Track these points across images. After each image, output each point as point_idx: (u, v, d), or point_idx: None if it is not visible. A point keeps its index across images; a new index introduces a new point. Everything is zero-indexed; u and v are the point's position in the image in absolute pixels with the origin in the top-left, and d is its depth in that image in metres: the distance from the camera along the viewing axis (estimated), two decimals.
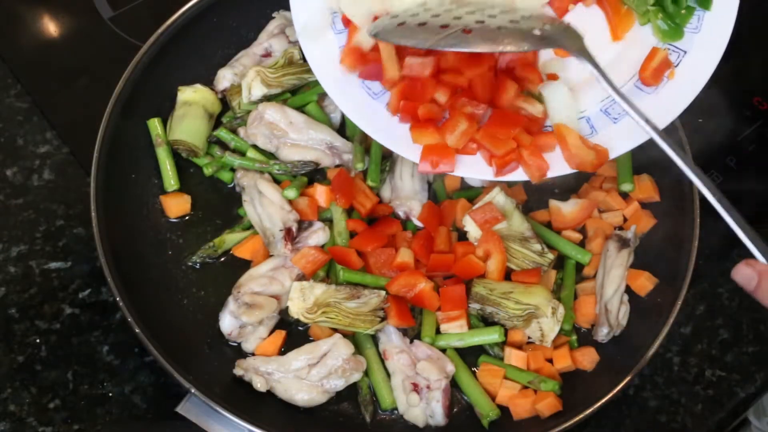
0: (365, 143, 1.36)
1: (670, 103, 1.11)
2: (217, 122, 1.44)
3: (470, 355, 1.28)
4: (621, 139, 1.14)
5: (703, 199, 1.28)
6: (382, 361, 1.26)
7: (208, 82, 1.45)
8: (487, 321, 1.29)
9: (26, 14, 1.62)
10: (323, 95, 1.42)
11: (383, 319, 1.25)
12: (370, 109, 1.20)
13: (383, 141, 1.18)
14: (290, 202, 1.33)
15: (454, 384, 1.25)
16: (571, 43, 1.09)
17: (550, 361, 1.27)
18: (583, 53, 1.07)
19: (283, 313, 1.29)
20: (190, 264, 1.34)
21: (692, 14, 1.14)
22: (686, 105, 1.11)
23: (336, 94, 1.20)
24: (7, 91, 1.51)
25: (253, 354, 1.27)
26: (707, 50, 1.11)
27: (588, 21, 1.17)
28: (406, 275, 1.25)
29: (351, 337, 1.25)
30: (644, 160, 1.41)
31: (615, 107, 1.16)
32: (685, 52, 1.13)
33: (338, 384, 1.22)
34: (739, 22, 1.13)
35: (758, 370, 1.32)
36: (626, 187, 1.37)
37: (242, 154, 1.40)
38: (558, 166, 1.14)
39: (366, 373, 1.24)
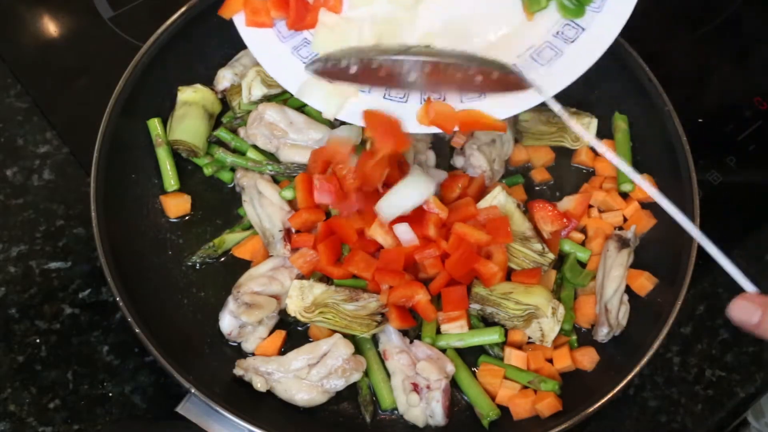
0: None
1: (560, 76, 1.15)
2: (217, 122, 1.44)
3: (470, 355, 1.28)
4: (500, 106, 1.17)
5: (703, 199, 1.29)
6: (382, 361, 1.26)
7: (208, 82, 1.45)
8: (487, 321, 1.29)
9: (26, 14, 1.62)
10: None
11: (380, 322, 1.25)
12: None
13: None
14: (290, 202, 1.33)
15: (454, 384, 1.25)
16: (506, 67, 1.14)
17: (550, 361, 1.27)
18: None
19: (283, 313, 1.28)
20: (190, 264, 1.34)
21: None
22: (569, 82, 1.14)
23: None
24: (7, 91, 1.51)
25: (253, 354, 1.27)
26: (604, 29, 1.15)
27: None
28: (404, 286, 1.24)
29: (351, 337, 1.25)
30: (644, 160, 1.41)
31: (543, 54, 1.18)
32: (584, 29, 1.16)
33: (338, 384, 1.22)
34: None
35: (758, 370, 1.32)
36: (626, 187, 1.37)
37: (242, 154, 1.40)
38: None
39: (366, 373, 1.24)
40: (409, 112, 1.19)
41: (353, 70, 1.15)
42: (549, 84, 1.14)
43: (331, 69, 1.18)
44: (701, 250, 1.25)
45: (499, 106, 1.17)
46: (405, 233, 1.24)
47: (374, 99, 1.21)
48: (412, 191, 1.22)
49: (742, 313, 0.85)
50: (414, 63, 1.12)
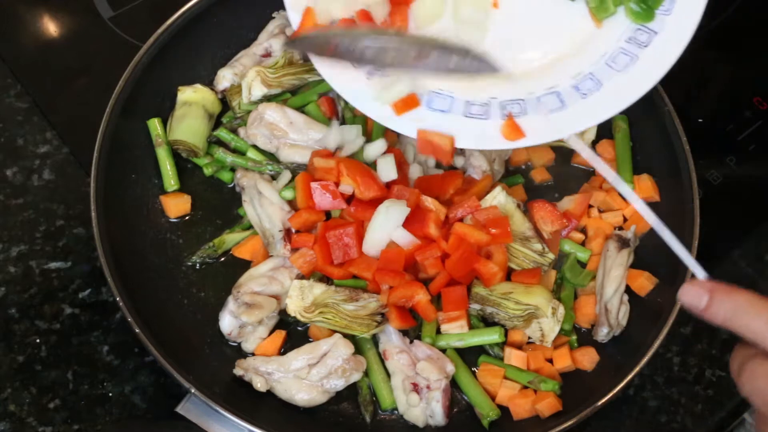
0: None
1: (640, 80, 1.13)
2: (217, 122, 1.44)
3: (470, 355, 1.28)
4: (587, 114, 1.15)
5: (703, 199, 1.29)
6: (382, 361, 1.26)
7: (208, 82, 1.45)
8: (488, 321, 1.29)
9: (26, 14, 1.62)
10: (323, 95, 1.42)
11: (380, 323, 1.25)
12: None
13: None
14: (290, 202, 1.33)
15: (454, 384, 1.25)
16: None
17: (550, 361, 1.27)
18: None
19: (283, 313, 1.28)
20: (190, 264, 1.34)
21: None
22: (656, 81, 1.12)
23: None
24: (7, 91, 1.51)
25: (253, 354, 1.27)
26: (677, 31, 1.13)
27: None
28: (404, 286, 1.24)
29: (351, 337, 1.25)
30: (644, 160, 1.41)
31: (585, 83, 1.16)
32: (656, 33, 1.14)
33: (338, 384, 1.22)
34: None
35: None
36: None
37: (242, 154, 1.40)
38: None
39: (366, 373, 1.24)
40: (491, 128, 1.17)
41: (341, 47, 1.15)
42: (629, 91, 1.12)
43: (319, 45, 1.17)
44: (701, 250, 1.25)
45: (585, 116, 1.15)
46: (403, 237, 1.25)
47: (454, 117, 1.18)
48: (385, 222, 1.24)
49: (691, 298, 0.87)
50: (399, 46, 1.12)
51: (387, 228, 1.24)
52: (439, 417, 1.21)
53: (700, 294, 0.86)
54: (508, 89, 1.17)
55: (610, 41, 1.16)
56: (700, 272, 0.90)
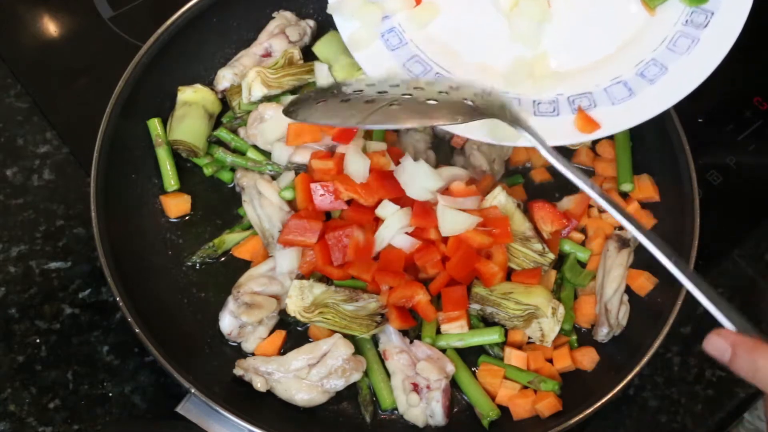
0: None
1: (705, 59, 1.13)
2: (217, 122, 1.44)
3: (470, 355, 1.28)
4: (657, 98, 1.15)
5: (703, 199, 1.29)
6: (382, 361, 1.26)
7: (208, 82, 1.45)
8: (488, 321, 1.29)
9: (26, 14, 1.62)
10: None
11: (380, 323, 1.25)
12: None
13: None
14: (289, 202, 1.33)
15: (454, 384, 1.25)
16: (503, 112, 1.10)
17: (550, 361, 1.27)
18: (518, 122, 1.09)
19: (283, 313, 1.28)
20: (190, 264, 1.34)
21: None
22: (718, 63, 1.12)
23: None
24: (7, 91, 1.51)
25: (253, 354, 1.27)
26: (734, 9, 1.14)
27: None
28: (404, 287, 1.24)
29: (351, 337, 1.25)
30: (644, 160, 1.41)
31: (650, 69, 1.17)
32: (713, 13, 1.15)
33: (338, 384, 1.22)
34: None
35: None
36: (626, 187, 1.37)
37: (242, 154, 1.40)
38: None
39: (366, 373, 1.24)
40: (563, 123, 1.17)
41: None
42: (697, 71, 1.13)
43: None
44: (701, 250, 1.26)
45: (656, 100, 1.15)
46: (404, 241, 1.25)
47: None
48: (392, 222, 1.26)
49: (715, 350, 0.87)
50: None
51: (393, 227, 1.26)
52: (439, 417, 1.21)
53: (723, 348, 0.86)
54: (573, 84, 1.18)
55: (667, 27, 1.16)
56: (725, 322, 0.88)
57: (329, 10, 1.21)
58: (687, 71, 1.13)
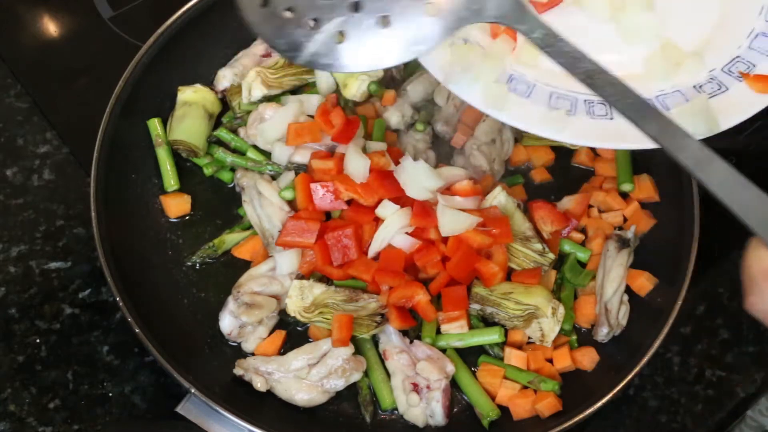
0: None
1: None
2: (217, 122, 1.44)
3: (470, 355, 1.28)
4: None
5: (704, 199, 1.29)
6: (382, 361, 1.26)
7: (208, 82, 1.45)
8: (488, 321, 1.29)
9: (26, 14, 1.62)
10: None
11: (380, 323, 1.25)
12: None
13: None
14: (289, 202, 1.33)
15: (454, 384, 1.25)
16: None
17: (550, 361, 1.27)
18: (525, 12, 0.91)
19: (283, 313, 1.29)
20: (190, 264, 1.34)
21: None
22: None
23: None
24: (7, 91, 1.51)
25: (253, 354, 1.27)
26: None
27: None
28: (404, 287, 1.24)
29: (351, 337, 1.25)
30: (644, 160, 1.41)
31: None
32: None
33: (338, 384, 1.22)
34: None
35: (758, 370, 1.32)
36: (626, 187, 1.37)
37: (242, 154, 1.40)
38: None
39: (366, 373, 1.24)
40: (738, 98, 1.10)
41: None
42: None
43: None
44: (701, 250, 1.26)
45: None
46: (404, 241, 1.25)
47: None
48: (392, 222, 1.25)
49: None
50: None
51: (392, 227, 1.26)
52: (439, 417, 1.21)
53: None
54: (717, 55, 1.11)
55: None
56: None
57: (445, 84, 1.08)
58: None
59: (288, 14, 0.93)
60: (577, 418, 1.16)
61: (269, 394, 1.23)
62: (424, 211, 1.25)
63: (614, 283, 1.28)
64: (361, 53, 0.93)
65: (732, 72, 1.10)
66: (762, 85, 1.08)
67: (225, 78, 1.43)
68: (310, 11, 0.93)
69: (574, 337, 1.29)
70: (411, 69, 1.44)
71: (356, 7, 0.92)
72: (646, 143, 0.92)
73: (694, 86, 1.10)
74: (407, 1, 0.92)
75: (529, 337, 1.28)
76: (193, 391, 1.14)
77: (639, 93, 0.88)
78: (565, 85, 1.10)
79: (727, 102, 1.07)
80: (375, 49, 0.93)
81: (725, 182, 0.84)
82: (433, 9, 0.92)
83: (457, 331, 1.26)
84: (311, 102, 1.38)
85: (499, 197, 1.30)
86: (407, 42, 0.93)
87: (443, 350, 1.26)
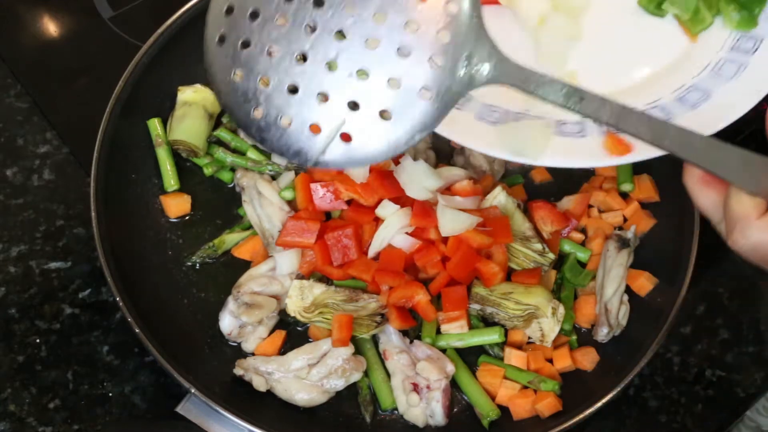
0: None
1: (756, 84, 1.05)
2: (217, 122, 1.44)
3: (470, 355, 1.28)
4: (700, 124, 1.04)
5: None
6: (382, 361, 1.26)
7: (208, 82, 1.44)
8: (488, 321, 1.29)
9: (26, 14, 1.62)
10: None
11: (380, 323, 1.25)
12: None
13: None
14: (290, 202, 1.33)
15: (454, 384, 1.25)
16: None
17: (550, 361, 1.27)
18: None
19: (283, 313, 1.29)
20: (190, 264, 1.34)
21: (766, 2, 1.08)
22: None
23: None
24: (7, 91, 1.51)
25: (253, 354, 1.27)
26: None
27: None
28: (404, 287, 1.24)
29: (351, 337, 1.25)
30: (644, 160, 1.41)
31: (691, 95, 1.08)
32: (761, 40, 1.06)
33: (338, 384, 1.22)
34: None
35: (758, 370, 1.32)
36: (626, 187, 1.37)
37: (242, 154, 1.40)
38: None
39: (366, 373, 1.24)
40: (587, 146, 1.06)
41: None
42: (745, 97, 1.04)
43: None
44: (701, 250, 1.26)
45: (699, 126, 1.02)
46: (404, 241, 1.25)
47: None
48: (392, 222, 1.25)
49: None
50: None
51: (391, 228, 1.26)
52: (439, 417, 1.21)
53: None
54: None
55: (710, 53, 1.08)
56: None
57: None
58: (733, 96, 1.04)
59: (286, 123, 0.88)
60: (577, 418, 1.16)
61: (269, 394, 1.23)
62: (424, 211, 1.25)
63: (614, 283, 1.28)
64: (370, 148, 0.87)
65: (602, 124, 0.99)
66: (614, 146, 1.05)
67: None
68: (308, 118, 0.87)
69: (574, 337, 1.29)
70: None
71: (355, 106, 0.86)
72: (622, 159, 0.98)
73: (558, 120, 1.06)
74: (402, 90, 0.86)
75: (529, 337, 1.28)
76: (193, 391, 1.14)
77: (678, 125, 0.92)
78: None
79: (572, 147, 1.04)
80: (381, 142, 0.87)
81: (689, 144, 0.92)
82: (428, 93, 0.86)
83: (457, 331, 1.26)
84: None
85: (499, 197, 1.30)
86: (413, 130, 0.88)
87: (443, 350, 1.26)
